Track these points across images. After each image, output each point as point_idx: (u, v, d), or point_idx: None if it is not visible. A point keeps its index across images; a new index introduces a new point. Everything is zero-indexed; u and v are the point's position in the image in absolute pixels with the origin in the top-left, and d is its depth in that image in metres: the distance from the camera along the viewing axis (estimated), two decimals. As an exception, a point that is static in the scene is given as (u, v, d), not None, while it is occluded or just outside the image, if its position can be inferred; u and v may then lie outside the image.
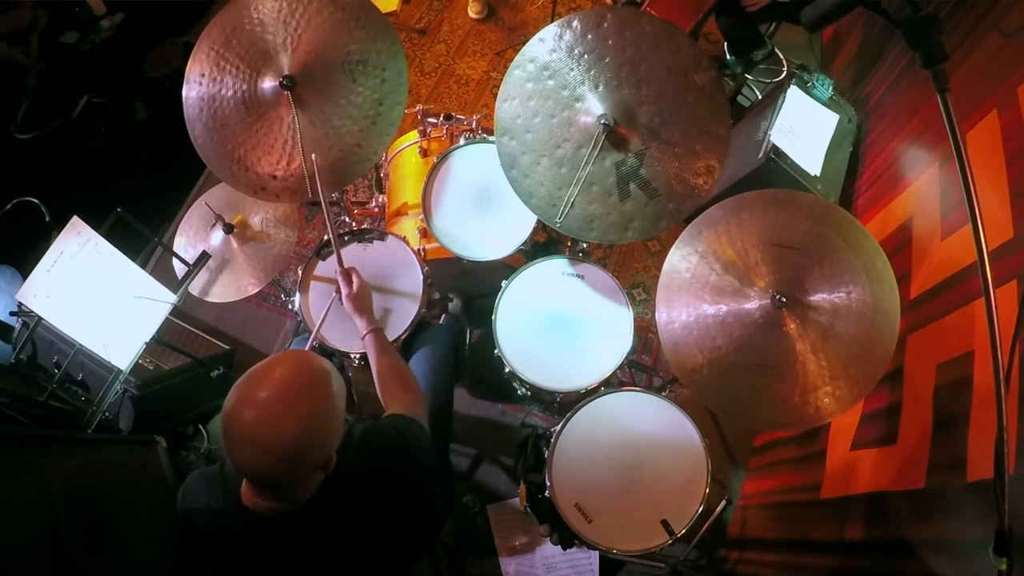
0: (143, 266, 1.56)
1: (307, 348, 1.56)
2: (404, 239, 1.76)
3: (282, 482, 0.97)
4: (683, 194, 1.43)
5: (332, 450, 0.99)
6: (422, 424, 1.19)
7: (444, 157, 1.85)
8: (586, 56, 1.40)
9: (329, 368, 0.99)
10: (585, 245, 1.86)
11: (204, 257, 1.72)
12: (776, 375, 1.28)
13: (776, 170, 1.96)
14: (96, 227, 1.54)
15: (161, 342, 1.71)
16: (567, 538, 1.51)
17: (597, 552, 1.58)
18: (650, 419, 1.54)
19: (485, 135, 1.89)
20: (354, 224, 2.00)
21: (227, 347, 2.25)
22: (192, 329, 2.23)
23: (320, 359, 1.00)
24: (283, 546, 1.04)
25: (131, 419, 1.70)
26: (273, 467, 0.92)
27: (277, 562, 1.06)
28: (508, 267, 1.80)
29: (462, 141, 1.86)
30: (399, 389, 1.31)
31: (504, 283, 1.72)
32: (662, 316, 1.36)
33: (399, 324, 1.66)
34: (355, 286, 1.46)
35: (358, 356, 1.66)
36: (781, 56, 2.63)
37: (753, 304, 1.30)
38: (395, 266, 1.73)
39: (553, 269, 1.74)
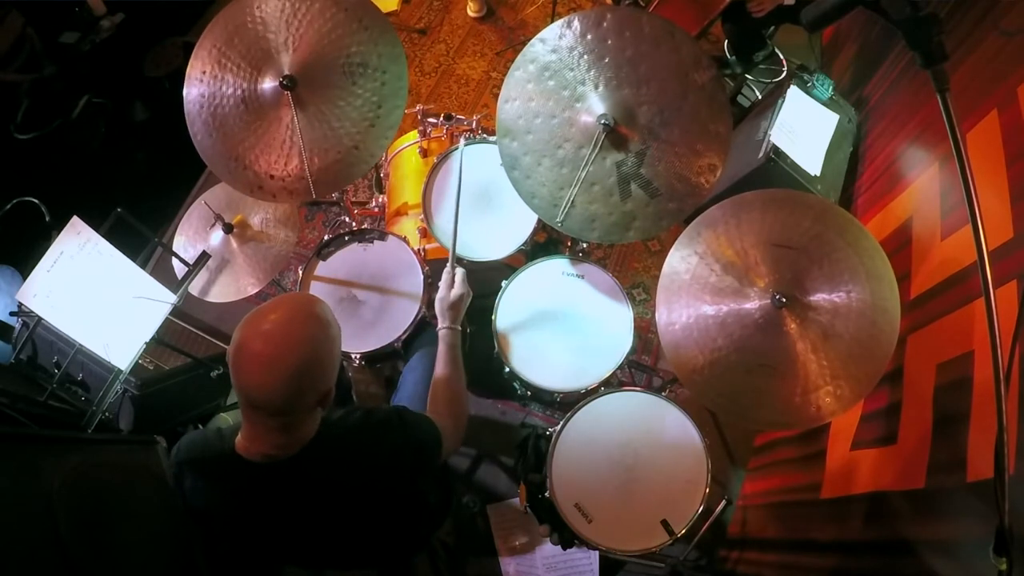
0: (143, 266, 1.56)
1: None
2: (404, 239, 1.76)
3: (286, 408, 1.01)
4: (684, 193, 1.43)
5: (331, 382, 1.06)
6: (439, 429, 1.21)
7: (444, 157, 1.85)
8: (586, 56, 1.40)
9: (326, 306, 1.09)
10: (585, 245, 1.86)
11: (204, 257, 1.72)
12: (777, 375, 1.28)
13: (776, 170, 1.96)
14: (96, 227, 1.54)
15: (161, 342, 1.71)
16: (567, 538, 1.51)
17: (597, 552, 1.58)
18: (650, 419, 1.54)
19: (485, 135, 1.89)
20: (354, 224, 2.00)
21: (227, 347, 2.24)
22: (192, 329, 2.22)
23: (318, 301, 1.09)
24: (270, 495, 1.09)
25: (131, 419, 1.70)
26: (280, 386, 0.98)
27: (263, 511, 1.11)
28: (508, 267, 1.80)
29: (462, 141, 1.86)
30: (442, 403, 1.35)
31: (504, 283, 1.72)
32: (662, 318, 1.36)
33: (399, 324, 1.66)
34: (456, 289, 1.47)
35: (358, 356, 1.66)
36: (781, 56, 2.64)
37: (753, 304, 1.30)
38: (396, 266, 1.73)
39: (553, 269, 1.74)
